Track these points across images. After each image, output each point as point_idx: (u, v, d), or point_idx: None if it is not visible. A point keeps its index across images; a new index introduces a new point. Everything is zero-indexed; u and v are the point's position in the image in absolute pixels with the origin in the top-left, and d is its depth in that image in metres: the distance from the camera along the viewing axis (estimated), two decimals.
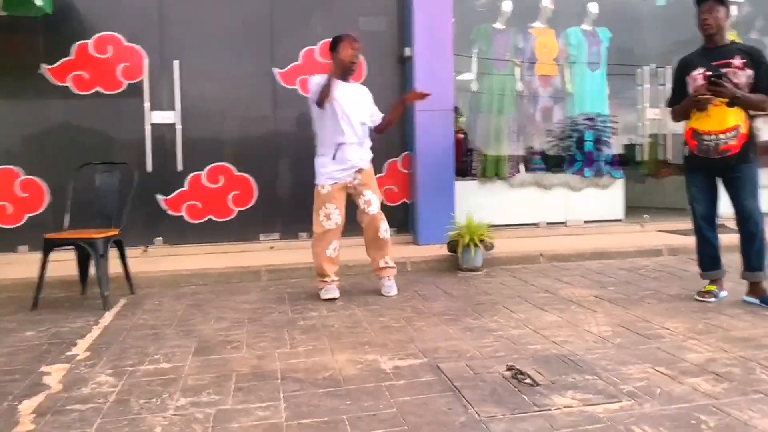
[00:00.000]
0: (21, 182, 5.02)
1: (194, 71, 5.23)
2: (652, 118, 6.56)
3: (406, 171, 5.74)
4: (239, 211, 5.43)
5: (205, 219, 5.36)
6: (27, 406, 2.24)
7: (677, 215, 6.65)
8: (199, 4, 5.29)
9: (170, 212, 5.29)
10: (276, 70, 5.44)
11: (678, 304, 3.57)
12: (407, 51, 5.51)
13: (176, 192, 5.29)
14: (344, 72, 3.85)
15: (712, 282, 3.68)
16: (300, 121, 5.36)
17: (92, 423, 2.08)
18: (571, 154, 6.44)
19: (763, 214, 3.45)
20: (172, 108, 5.18)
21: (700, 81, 3.43)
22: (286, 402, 2.23)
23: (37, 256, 3.80)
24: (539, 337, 2.96)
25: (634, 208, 6.70)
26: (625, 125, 7.00)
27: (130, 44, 5.14)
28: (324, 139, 3.87)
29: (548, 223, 6.26)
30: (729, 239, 3.74)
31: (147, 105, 5.12)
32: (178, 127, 5.18)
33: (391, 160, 5.68)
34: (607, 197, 6.50)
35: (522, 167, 6.35)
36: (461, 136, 6.40)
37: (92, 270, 3.94)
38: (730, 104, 3.35)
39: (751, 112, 3.44)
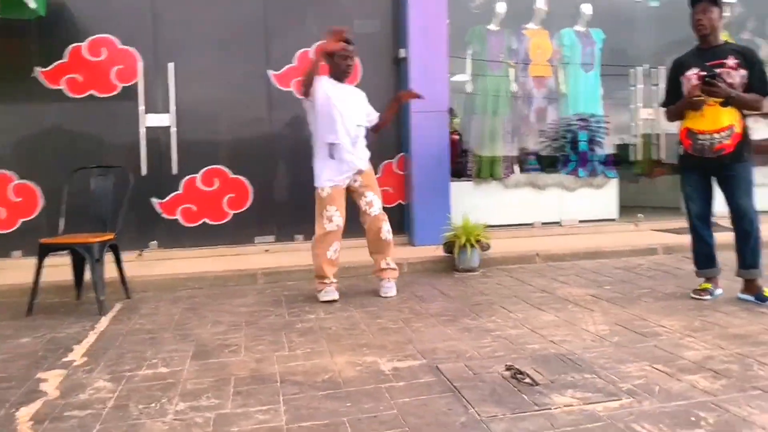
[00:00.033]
0: (14, 187, 4.99)
1: (189, 74, 5.22)
2: (645, 118, 6.61)
3: (402, 172, 5.74)
4: (234, 214, 5.42)
5: (200, 222, 5.35)
6: (24, 414, 2.22)
7: (671, 214, 6.70)
8: (193, 7, 5.28)
9: (165, 216, 5.27)
10: (271, 72, 5.43)
11: (674, 302, 3.58)
12: (402, 52, 5.52)
13: (171, 195, 5.28)
14: (340, 74, 3.86)
15: (708, 280, 3.70)
16: (295, 123, 5.36)
17: (91, 429, 2.07)
18: (565, 155, 6.47)
19: (758, 212, 3.48)
20: (167, 111, 5.17)
21: (695, 81, 3.45)
22: (286, 405, 2.22)
23: (31, 261, 3.78)
24: (537, 337, 2.97)
25: (627, 208, 6.74)
26: (619, 125, 7.04)
27: (125, 47, 5.12)
28: (318, 138, 3.86)
29: (543, 223, 6.29)
30: (723, 237, 3.77)
31: (141, 108, 5.11)
32: (173, 129, 5.17)
33: (386, 161, 5.68)
34: (602, 197, 6.53)
35: (517, 168, 6.37)
36: (456, 137, 6.42)
37: (87, 275, 3.92)
38: (724, 104, 3.37)
39: (745, 112, 3.47)
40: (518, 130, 6.39)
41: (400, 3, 5.58)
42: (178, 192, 5.28)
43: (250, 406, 2.22)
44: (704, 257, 3.68)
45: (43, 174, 5.00)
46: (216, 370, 2.63)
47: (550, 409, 2.11)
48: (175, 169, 5.20)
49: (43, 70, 4.98)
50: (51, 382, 2.55)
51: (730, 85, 3.36)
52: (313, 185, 3.94)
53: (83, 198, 4.10)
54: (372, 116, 4.06)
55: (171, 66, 5.13)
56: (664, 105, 3.80)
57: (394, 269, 4.04)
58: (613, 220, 6.52)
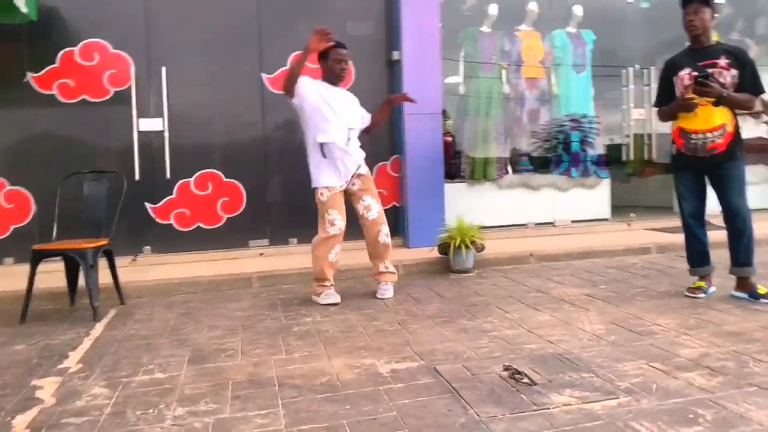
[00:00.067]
0: (6, 193, 4.95)
1: (182, 77, 5.20)
2: (636, 118, 6.63)
3: (396, 174, 5.75)
4: (228, 218, 5.40)
5: (194, 226, 5.32)
6: (21, 421, 2.21)
7: (663, 213, 6.75)
8: (186, 10, 5.26)
9: (158, 220, 5.24)
10: (264, 76, 5.43)
11: (668, 301, 3.60)
12: (395, 55, 5.53)
13: (164, 200, 5.25)
14: (333, 78, 3.87)
15: (701, 278, 3.72)
16: (288, 126, 5.35)
17: None
18: (558, 155, 6.50)
19: (750, 210, 3.50)
20: (160, 115, 5.14)
21: (687, 81, 3.48)
22: (285, 408, 2.21)
23: (24, 268, 3.75)
24: (534, 337, 2.97)
25: (620, 208, 6.78)
26: (611, 125, 7.08)
27: (117, 51, 5.10)
28: (310, 139, 3.85)
29: (536, 224, 6.30)
30: (716, 236, 3.79)
31: (134, 112, 5.08)
32: (166, 134, 5.14)
33: (380, 163, 5.68)
34: (594, 197, 6.56)
35: (509, 169, 6.39)
36: (449, 138, 6.44)
37: (81, 281, 3.89)
38: (717, 103, 3.40)
39: (737, 111, 3.50)
40: (511, 132, 6.41)
41: (393, 5, 5.59)
42: (171, 196, 5.26)
43: (249, 411, 2.21)
44: (698, 256, 3.71)
45: (36, 180, 4.96)
46: (213, 375, 2.62)
47: (549, 408, 2.12)
48: (168, 174, 5.18)
49: (35, 75, 4.95)
50: (47, 389, 2.53)
51: (722, 85, 3.39)
52: (308, 188, 3.94)
53: (76, 203, 4.08)
54: (366, 118, 4.08)
55: (164, 70, 5.11)
56: (656, 105, 3.83)
57: (392, 273, 4.05)
58: (605, 219, 6.55)
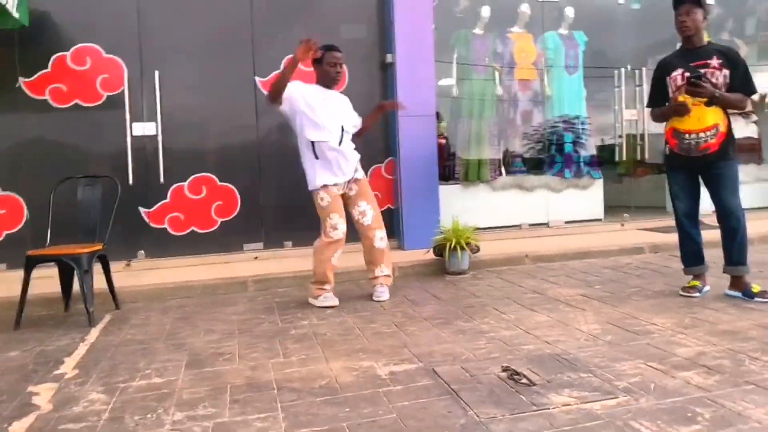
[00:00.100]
0: None
1: (175, 81, 5.19)
2: (628, 118, 6.68)
3: (390, 177, 5.75)
4: (222, 222, 5.39)
5: (188, 231, 5.31)
6: (18, 428, 2.19)
7: (655, 213, 6.79)
8: (178, 14, 5.25)
9: (153, 225, 5.23)
10: (258, 79, 5.42)
11: (663, 300, 3.63)
12: (389, 57, 5.54)
13: (158, 204, 5.23)
14: (328, 81, 3.88)
15: (696, 277, 3.75)
16: (282, 129, 5.33)
17: None
18: (551, 156, 6.53)
19: (743, 209, 3.53)
20: (153, 119, 5.12)
21: (680, 81, 3.51)
22: (284, 412, 2.21)
23: (16, 274, 3.73)
24: (531, 338, 2.98)
25: (613, 208, 6.82)
26: (603, 126, 7.12)
27: (109, 55, 5.08)
28: (302, 140, 3.84)
29: (531, 225, 6.33)
30: (709, 235, 3.82)
31: (127, 117, 5.06)
32: (160, 138, 5.12)
33: (375, 165, 5.68)
34: (588, 197, 6.60)
35: (503, 170, 6.41)
36: (443, 140, 6.46)
37: (75, 286, 3.87)
38: (709, 103, 3.43)
39: (729, 111, 3.53)
40: (504, 133, 6.44)
41: (386, 8, 5.60)
42: (165, 201, 5.24)
43: (249, 414, 2.20)
44: (692, 255, 3.73)
45: (28, 185, 4.93)
46: (211, 379, 2.60)
47: (548, 408, 2.12)
48: (162, 178, 5.16)
49: (27, 80, 4.92)
50: (43, 395, 2.51)
51: (714, 85, 3.42)
52: (303, 191, 3.96)
53: (70, 208, 4.05)
54: (357, 122, 4.09)
55: (157, 74, 5.09)
56: (649, 106, 3.86)
57: (387, 276, 4.06)
58: (599, 220, 6.59)
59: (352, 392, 2.37)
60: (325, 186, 3.81)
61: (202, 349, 3.06)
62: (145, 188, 5.16)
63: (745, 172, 6.68)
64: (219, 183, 5.36)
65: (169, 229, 5.26)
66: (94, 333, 3.49)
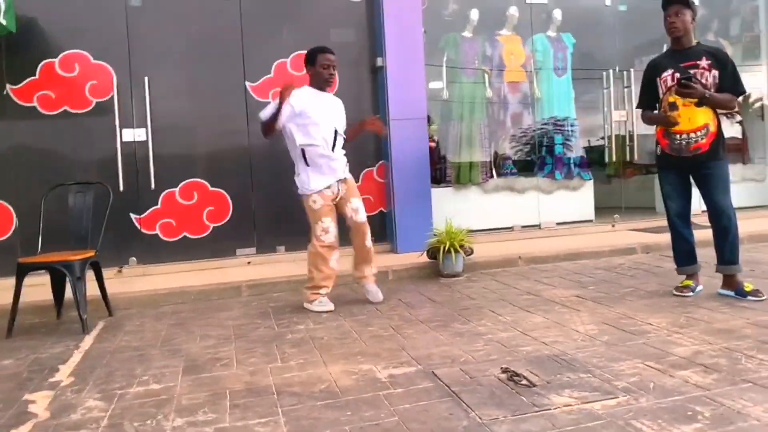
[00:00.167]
0: None
1: (165, 87, 5.17)
2: (617, 119, 6.73)
3: (382, 180, 5.76)
4: (214, 227, 5.36)
5: (180, 236, 5.28)
6: None
7: (645, 214, 6.85)
8: (167, 20, 5.23)
9: (144, 231, 5.19)
10: (248, 84, 5.40)
11: (658, 300, 3.65)
12: (379, 61, 5.55)
13: (150, 210, 5.20)
14: (321, 84, 3.86)
15: (689, 277, 3.78)
16: None
17: None
18: (541, 158, 6.57)
19: (734, 208, 3.57)
20: (143, 125, 5.09)
21: (670, 82, 3.54)
22: (286, 416, 2.20)
23: (5, 282, 3.69)
24: (529, 339, 2.99)
25: (603, 209, 6.87)
26: (592, 127, 7.18)
27: (98, 62, 5.05)
28: (295, 145, 3.82)
29: (523, 227, 6.36)
30: (700, 235, 3.86)
31: (117, 123, 5.02)
32: (150, 144, 5.09)
33: (366, 169, 5.69)
34: (578, 199, 6.64)
35: (494, 172, 6.44)
36: (433, 144, 6.47)
37: (67, 293, 3.83)
38: (699, 104, 3.47)
39: (719, 111, 3.57)
40: (494, 135, 6.48)
41: (375, 12, 5.61)
42: (156, 207, 5.21)
43: (249, 419, 2.19)
44: (685, 255, 3.76)
45: (17, 193, 4.88)
46: (210, 385, 2.59)
47: (549, 409, 2.13)
48: (153, 184, 5.12)
49: (14, 87, 4.87)
50: (39, 403, 2.48)
51: (704, 86, 3.46)
52: (294, 196, 3.93)
53: (60, 215, 4.02)
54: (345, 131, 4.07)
55: (146, 80, 5.06)
56: (639, 107, 3.89)
57: (375, 273, 4.06)
58: (590, 221, 6.63)
59: (352, 396, 2.36)
60: (318, 191, 3.80)
61: (199, 355, 3.04)
62: (136, 194, 5.13)
63: (731, 171, 6.76)
64: (210, 188, 5.34)
65: (161, 235, 5.23)
66: (88, 340, 3.45)
